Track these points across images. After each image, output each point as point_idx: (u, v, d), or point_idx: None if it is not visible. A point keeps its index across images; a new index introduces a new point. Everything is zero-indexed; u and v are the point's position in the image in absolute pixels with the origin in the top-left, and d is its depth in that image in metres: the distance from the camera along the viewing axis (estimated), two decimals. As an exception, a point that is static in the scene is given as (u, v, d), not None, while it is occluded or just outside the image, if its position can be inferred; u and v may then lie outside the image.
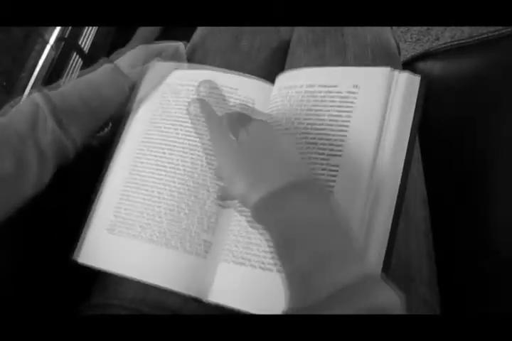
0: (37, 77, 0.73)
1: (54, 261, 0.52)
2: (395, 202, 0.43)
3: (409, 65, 0.60)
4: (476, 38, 0.52)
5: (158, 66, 0.57)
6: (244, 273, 0.45)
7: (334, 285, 0.33)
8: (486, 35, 0.51)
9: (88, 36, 0.84)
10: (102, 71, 0.55)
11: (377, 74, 0.47)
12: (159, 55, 0.58)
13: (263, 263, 0.44)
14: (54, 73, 0.75)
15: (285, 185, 0.37)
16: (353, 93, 0.47)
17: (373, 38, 0.55)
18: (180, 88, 0.55)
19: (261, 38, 0.60)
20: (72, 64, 0.79)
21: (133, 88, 0.55)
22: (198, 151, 0.51)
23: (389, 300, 0.32)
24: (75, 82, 0.54)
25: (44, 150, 0.48)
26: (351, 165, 0.45)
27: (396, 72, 0.47)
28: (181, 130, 0.53)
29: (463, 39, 0.55)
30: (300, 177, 0.39)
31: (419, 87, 0.45)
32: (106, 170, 0.55)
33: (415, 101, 0.45)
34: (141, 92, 0.57)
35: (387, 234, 0.42)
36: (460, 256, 0.42)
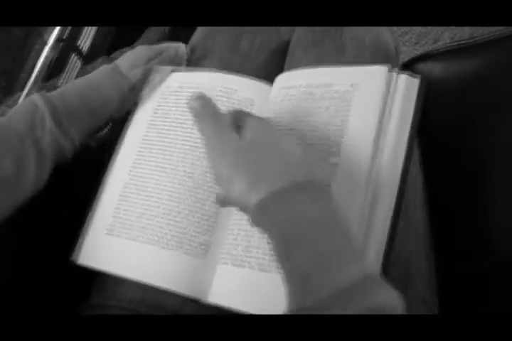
0: (36, 77, 0.73)
1: (53, 262, 0.52)
2: (394, 202, 0.43)
3: (409, 67, 0.60)
4: (477, 38, 0.52)
5: (156, 68, 0.57)
6: (243, 275, 0.45)
7: (334, 285, 0.33)
8: (486, 36, 0.51)
9: (87, 37, 0.84)
10: (101, 71, 0.55)
11: (375, 73, 0.47)
12: (159, 56, 0.58)
13: (262, 264, 0.44)
14: (53, 74, 0.75)
15: (286, 185, 0.37)
16: (351, 92, 0.47)
17: (372, 39, 0.55)
18: (180, 90, 0.55)
19: (261, 38, 0.60)
20: (71, 64, 0.79)
21: (133, 89, 0.55)
22: (199, 153, 0.51)
23: (389, 300, 0.32)
24: (75, 82, 0.54)
25: (43, 150, 0.48)
26: (350, 164, 0.45)
27: (395, 73, 0.47)
28: (181, 131, 0.53)
29: (463, 40, 0.55)
30: (301, 177, 0.38)
31: (419, 88, 0.45)
32: (106, 172, 0.55)
33: (415, 101, 0.45)
34: (141, 94, 0.57)
35: (386, 234, 0.42)
36: (460, 256, 0.42)
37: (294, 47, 0.59)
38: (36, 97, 0.50)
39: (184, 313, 0.49)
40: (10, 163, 0.46)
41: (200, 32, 0.63)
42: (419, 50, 1.12)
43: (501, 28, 0.50)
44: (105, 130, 0.60)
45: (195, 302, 0.47)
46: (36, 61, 0.74)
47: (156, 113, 0.55)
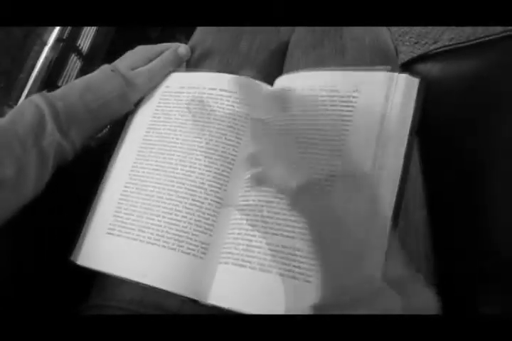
0: (35, 78, 0.73)
1: (53, 262, 0.52)
2: (394, 202, 0.43)
3: (408, 67, 0.60)
4: (477, 39, 0.52)
5: (154, 69, 0.57)
6: (243, 275, 0.45)
7: (370, 282, 0.32)
8: (485, 37, 0.51)
9: (87, 37, 0.84)
10: (101, 72, 0.54)
11: (377, 77, 0.47)
12: (159, 56, 0.58)
13: (263, 265, 0.44)
14: (53, 74, 0.75)
15: (328, 175, 0.37)
16: (354, 97, 0.47)
17: (371, 40, 0.55)
18: (180, 90, 0.55)
19: (260, 38, 0.60)
20: (71, 65, 0.80)
21: (133, 89, 0.55)
22: (199, 152, 0.51)
23: (427, 303, 0.32)
24: (74, 82, 0.54)
25: (44, 152, 0.48)
26: (351, 165, 0.45)
27: (395, 74, 0.47)
28: (181, 131, 0.53)
29: (462, 41, 0.55)
30: (345, 170, 0.38)
31: (419, 88, 0.45)
32: (106, 172, 0.55)
33: (414, 101, 0.45)
34: (140, 95, 0.57)
35: (387, 234, 0.42)
36: (460, 256, 0.42)
37: (293, 48, 0.59)
38: (37, 98, 0.50)
39: (184, 313, 0.49)
40: (11, 166, 0.46)
41: (199, 32, 0.63)
42: (418, 50, 1.12)
43: (501, 28, 0.50)
44: (105, 130, 0.60)
45: (194, 302, 0.47)
46: (36, 61, 0.74)
47: (156, 113, 0.55)
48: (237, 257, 0.46)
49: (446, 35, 1.11)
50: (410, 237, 0.48)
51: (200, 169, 0.50)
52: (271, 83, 0.54)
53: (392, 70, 0.47)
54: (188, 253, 0.48)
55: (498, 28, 0.50)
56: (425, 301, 0.32)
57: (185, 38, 0.63)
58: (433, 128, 0.50)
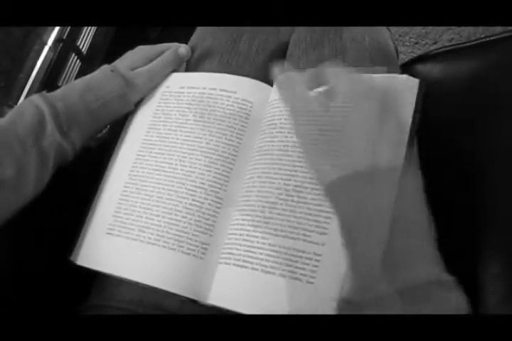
0: (35, 78, 0.73)
1: (53, 262, 0.52)
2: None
3: (408, 68, 0.60)
4: (477, 40, 0.52)
5: (154, 69, 0.57)
6: (244, 276, 0.45)
7: (400, 281, 0.32)
8: (485, 37, 0.51)
9: (86, 37, 0.84)
10: (101, 72, 0.54)
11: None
12: (159, 56, 0.58)
13: (265, 266, 0.44)
14: (52, 74, 0.75)
15: (366, 169, 0.36)
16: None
17: (371, 40, 0.55)
18: (180, 90, 0.55)
19: (260, 39, 0.60)
20: (71, 65, 0.80)
21: (132, 89, 0.55)
22: (199, 152, 0.51)
23: (458, 306, 0.32)
24: (74, 83, 0.54)
25: (44, 152, 0.48)
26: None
27: (395, 73, 0.47)
28: (181, 131, 0.53)
29: (462, 42, 0.55)
30: (384, 165, 0.37)
31: (419, 88, 0.45)
32: (105, 172, 0.55)
33: (414, 103, 0.45)
34: (140, 95, 0.57)
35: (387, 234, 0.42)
36: (460, 256, 0.42)
37: (293, 48, 0.59)
38: (37, 98, 0.50)
39: (183, 314, 0.49)
40: (11, 166, 0.46)
41: (199, 32, 0.63)
42: (418, 51, 1.12)
43: (501, 29, 0.50)
44: (105, 130, 0.60)
45: (194, 302, 0.47)
46: (36, 61, 0.73)
47: (156, 113, 0.55)
48: (239, 258, 0.46)
49: (446, 36, 1.11)
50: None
51: (200, 169, 0.50)
52: (271, 83, 0.54)
53: (393, 71, 0.47)
54: (188, 254, 0.48)
55: (498, 28, 0.50)
56: (454, 306, 0.32)
57: (185, 38, 0.63)
58: (433, 128, 0.50)
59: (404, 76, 0.46)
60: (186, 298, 0.47)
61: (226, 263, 0.47)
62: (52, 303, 0.51)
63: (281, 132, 0.49)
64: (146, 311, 0.50)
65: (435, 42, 1.13)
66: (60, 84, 0.76)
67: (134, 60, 0.57)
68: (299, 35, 0.59)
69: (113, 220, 0.51)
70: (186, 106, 0.54)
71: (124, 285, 0.51)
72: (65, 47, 0.78)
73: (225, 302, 0.45)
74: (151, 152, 0.53)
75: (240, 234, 0.47)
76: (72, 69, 0.80)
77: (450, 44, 0.57)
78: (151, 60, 0.57)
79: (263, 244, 0.45)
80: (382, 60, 0.55)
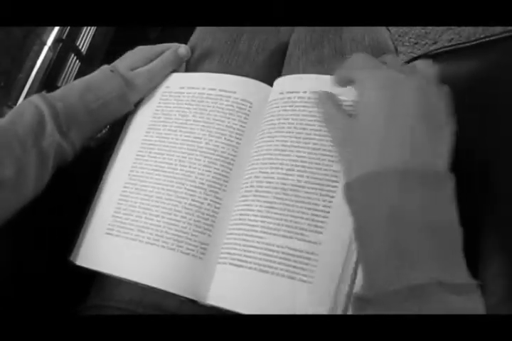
0: (35, 78, 0.73)
1: (52, 262, 0.52)
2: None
3: (407, 68, 0.60)
4: (477, 40, 0.52)
5: (154, 69, 0.57)
6: (242, 275, 0.45)
7: (406, 281, 0.32)
8: (485, 37, 0.51)
9: (86, 38, 0.84)
10: (100, 72, 0.54)
11: None
12: (159, 57, 0.58)
13: (261, 265, 0.44)
14: (52, 74, 0.75)
15: (380, 171, 0.36)
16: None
17: (371, 40, 0.55)
18: (180, 91, 0.55)
19: (260, 39, 0.60)
20: (70, 65, 0.80)
21: (132, 90, 0.55)
22: (199, 152, 0.51)
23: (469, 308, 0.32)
24: (74, 83, 0.54)
25: (43, 152, 0.48)
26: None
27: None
28: (180, 132, 0.53)
29: (462, 42, 0.55)
30: (406, 165, 0.36)
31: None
32: (105, 172, 0.55)
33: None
34: (140, 95, 0.57)
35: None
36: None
37: (292, 49, 0.59)
38: (36, 99, 0.50)
39: (182, 314, 0.49)
40: (11, 166, 0.46)
41: (199, 32, 0.63)
42: (418, 51, 1.12)
43: (501, 29, 0.50)
44: (105, 130, 0.60)
45: (193, 302, 0.47)
46: (35, 61, 0.73)
47: (156, 113, 0.55)
48: (236, 257, 0.46)
49: (446, 36, 1.12)
50: None
51: (199, 169, 0.50)
52: (270, 83, 0.54)
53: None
54: (187, 254, 0.48)
55: (498, 28, 0.50)
56: (473, 308, 0.32)
57: (185, 38, 0.63)
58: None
59: None
60: (185, 298, 0.47)
61: (224, 263, 0.47)
62: (52, 303, 0.51)
63: (280, 132, 0.49)
64: (145, 311, 0.50)
65: (435, 43, 1.13)
66: (59, 85, 0.76)
67: (134, 60, 0.57)
68: (298, 35, 0.59)
69: (112, 220, 0.51)
70: (186, 106, 0.54)
71: (124, 286, 0.51)
72: (65, 47, 0.78)
73: (224, 303, 0.45)
74: (150, 152, 0.53)
75: (238, 234, 0.47)
76: (72, 69, 0.79)
77: (450, 44, 0.57)
78: (151, 60, 0.57)
79: (260, 243, 0.45)
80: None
